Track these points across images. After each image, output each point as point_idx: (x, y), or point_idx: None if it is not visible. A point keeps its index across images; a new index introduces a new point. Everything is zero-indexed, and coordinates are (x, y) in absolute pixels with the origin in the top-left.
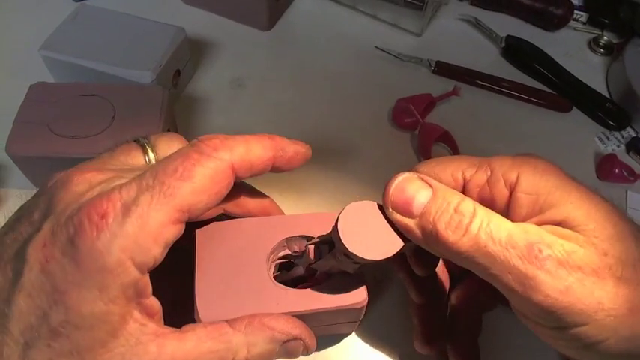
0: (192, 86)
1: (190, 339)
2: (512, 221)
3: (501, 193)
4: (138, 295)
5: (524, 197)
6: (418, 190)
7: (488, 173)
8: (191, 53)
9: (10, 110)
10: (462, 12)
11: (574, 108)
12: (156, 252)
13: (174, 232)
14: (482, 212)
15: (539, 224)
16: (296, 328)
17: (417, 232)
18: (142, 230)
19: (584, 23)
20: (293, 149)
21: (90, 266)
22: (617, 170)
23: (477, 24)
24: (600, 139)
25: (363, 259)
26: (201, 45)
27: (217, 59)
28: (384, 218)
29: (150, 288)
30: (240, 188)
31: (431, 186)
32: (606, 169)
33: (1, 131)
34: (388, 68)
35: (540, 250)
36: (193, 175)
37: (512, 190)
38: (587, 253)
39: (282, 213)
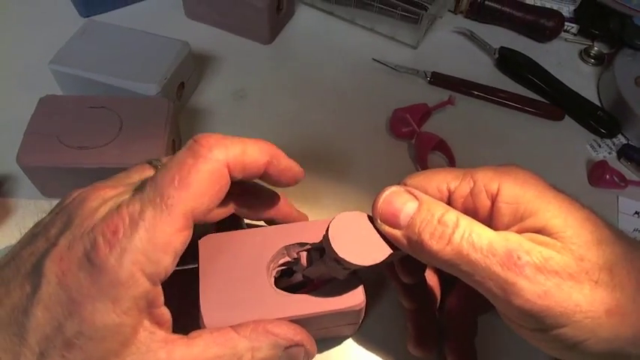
0: (195, 98)
1: (198, 345)
2: (495, 229)
3: (484, 203)
4: (149, 306)
5: (505, 206)
6: (405, 203)
7: (471, 184)
8: (195, 66)
9: (21, 122)
10: (457, 25)
11: (566, 116)
12: (166, 262)
13: (182, 239)
14: (465, 222)
15: (520, 232)
16: (298, 335)
17: (404, 241)
18: (150, 243)
19: (575, 34)
20: (287, 163)
21: (104, 280)
22: (608, 176)
23: (471, 36)
24: (592, 146)
25: (352, 264)
26: (205, 58)
27: (220, 72)
28: (373, 227)
29: (161, 298)
30: (247, 189)
31: (417, 198)
32: (598, 175)
33: (12, 142)
34: (386, 79)
35: (519, 257)
36: (190, 182)
37: (494, 200)
38: (565, 259)
39: (296, 211)
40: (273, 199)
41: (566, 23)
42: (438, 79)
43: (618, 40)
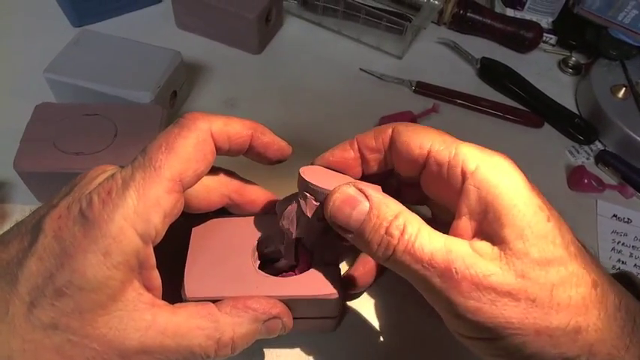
0: (187, 107)
1: (182, 314)
2: (459, 210)
3: (457, 177)
4: (140, 266)
5: (473, 190)
6: (355, 207)
7: (452, 154)
8: (186, 75)
9: (15, 130)
10: (440, 36)
11: (546, 124)
12: (156, 221)
13: (170, 201)
14: (412, 229)
15: (478, 230)
16: (275, 308)
17: (354, 242)
18: (140, 201)
19: (553, 45)
20: (271, 137)
21: (96, 233)
22: (586, 180)
23: (454, 47)
24: (571, 152)
25: (320, 187)
26: (196, 68)
27: (211, 81)
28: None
29: (152, 261)
30: (241, 180)
31: (367, 198)
32: (577, 179)
33: (7, 149)
34: (372, 88)
35: (457, 272)
36: (176, 147)
37: (465, 179)
38: (505, 275)
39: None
40: (266, 197)
41: (544, 34)
42: (423, 88)
43: (595, 51)
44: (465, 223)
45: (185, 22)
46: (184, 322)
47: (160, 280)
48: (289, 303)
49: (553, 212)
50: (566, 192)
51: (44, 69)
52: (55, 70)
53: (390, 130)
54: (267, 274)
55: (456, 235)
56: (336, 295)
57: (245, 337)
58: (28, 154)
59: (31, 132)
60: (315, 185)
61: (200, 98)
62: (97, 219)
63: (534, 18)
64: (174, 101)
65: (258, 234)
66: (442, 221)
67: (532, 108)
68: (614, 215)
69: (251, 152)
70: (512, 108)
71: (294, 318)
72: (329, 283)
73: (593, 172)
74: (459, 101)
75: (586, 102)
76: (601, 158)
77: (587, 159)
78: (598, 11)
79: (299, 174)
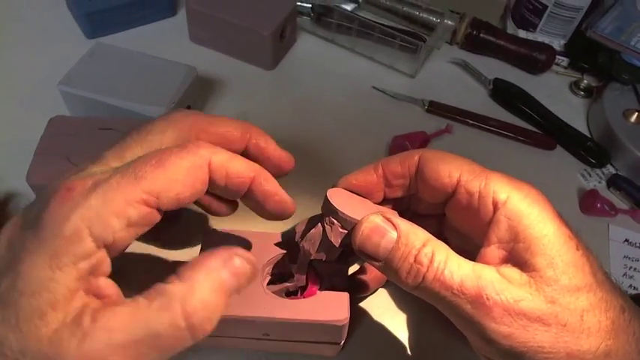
0: None
1: (130, 304)
2: (488, 239)
3: (487, 207)
4: (91, 271)
5: (504, 220)
6: (383, 236)
7: (482, 185)
8: (199, 90)
9: (28, 142)
10: (453, 56)
11: (558, 146)
12: (115, 226)
13: (139, 212)
14: (440, 257)
15: (507, 257)
16: (229, 249)
17: (382, 272)
18: (104, 204)
19: (565, 67)
20: (274, 187)
21: (47, 233)
22: (599, 205)
23: (466, 67)
24: (583, 176)
25: (349, 217)
26: (209, 82)
27: (223, 96)
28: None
29: (105, 267)
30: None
31: (396, 228)
32: (589, 203)
33: (20, 162)
34: (384, 106)
35: (488, 298)
36: (168, 164)
37: (496, 209)
38: (536, 301)
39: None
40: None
41: (557, 56)
42: (435, 108)
43: (607, 74)
44: (493, 251)
45: (199, 36)
46: (135, 311)
47: (116, 289)
48: (296, 325)
49: (581, 241)
50: (578, 215)
51: (58, 81)
52: (69, 83)
53: (416, 157)
54: (275, 295)
55: (483, 262)
56: (346, 321)
57: (212, 292)
58: (41, 168)
59: (44, 145)
60: (343, 213)
61: (212, 113)
62: (51, 218)
63: (546, 40)
64: None
65: (269, 252)
66: (461, 251)
67: (544, 130)
68: (626, 240)
69: (248, 197)
70: (524, 129)
71: (297, 341)
72: (338, 309)
73: (605, 196)
74: (471, 122)
75: (598, 125)
76: (613, 182)
77: (599, 182)
78: (610, 35)
79: (326, 198)
